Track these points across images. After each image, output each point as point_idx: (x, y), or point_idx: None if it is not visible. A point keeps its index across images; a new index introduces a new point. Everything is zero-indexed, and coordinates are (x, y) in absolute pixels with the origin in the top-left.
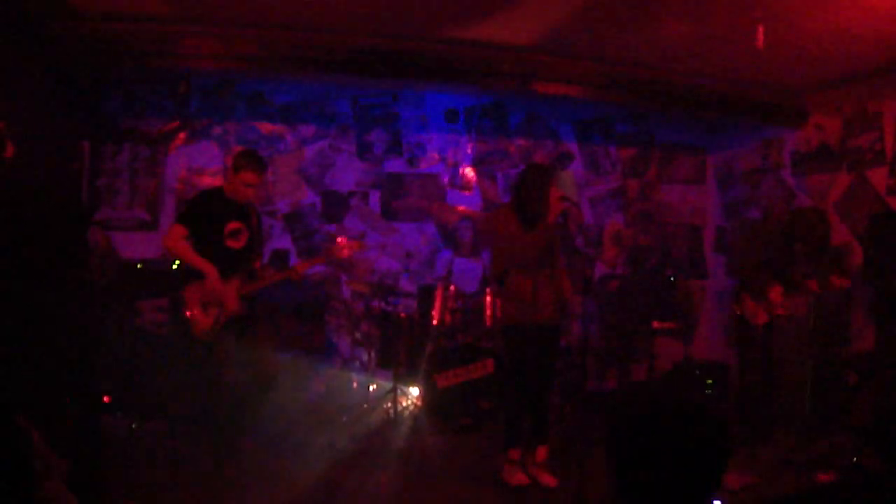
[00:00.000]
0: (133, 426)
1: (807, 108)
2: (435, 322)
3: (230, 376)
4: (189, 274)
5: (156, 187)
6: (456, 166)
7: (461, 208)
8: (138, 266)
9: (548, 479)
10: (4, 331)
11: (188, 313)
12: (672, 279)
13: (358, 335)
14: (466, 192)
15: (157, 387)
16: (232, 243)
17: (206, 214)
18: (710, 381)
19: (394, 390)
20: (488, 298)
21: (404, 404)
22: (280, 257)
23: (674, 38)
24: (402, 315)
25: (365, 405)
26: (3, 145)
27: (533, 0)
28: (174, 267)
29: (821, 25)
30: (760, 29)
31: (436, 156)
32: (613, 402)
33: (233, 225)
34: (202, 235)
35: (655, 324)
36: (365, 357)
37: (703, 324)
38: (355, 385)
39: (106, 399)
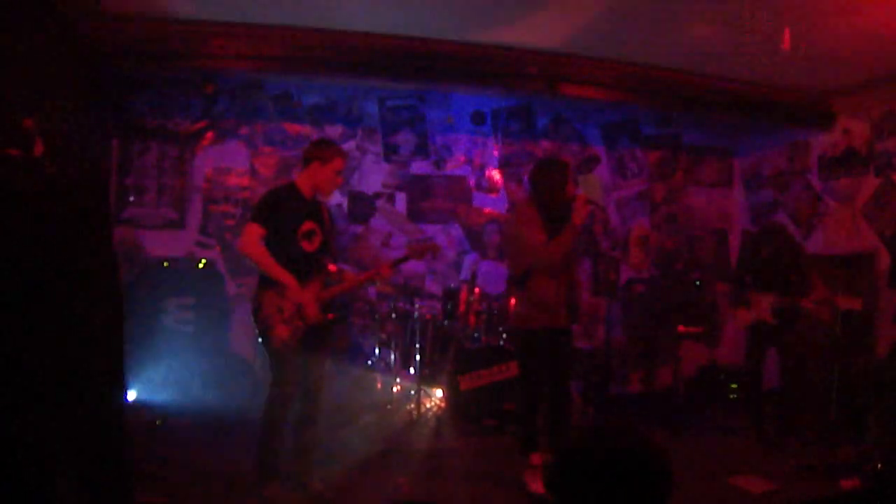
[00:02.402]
0: (158, 422)
1: (834, 111)
2: (459, 324)
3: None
4: (265, 280)
5: (183, 186)
6: (482, 168)
7: (488, 210)
8: (165, 264)
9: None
10: (31, 328)
11: (267, 323)
12: (698, 283)
13: (383, 336)
14: (493, 195)
15: (183, 384)
16: (306, 245)
17: (280, 214)
18: (733, 386)
19: (417, 391)
20: (513, 300)
21: (428, 405)
22: None
23: (700, 40)
24: (427, 316)
25: (388, 406)
26: (32, 143)
27: (560, 3)
28: (200, 266)
29: (848, 28)
30: (787, 31)
31: (462, 158)
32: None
33: (307, 225)
34: (276, 237)
35: (681, 327)
36: (389, 358)
37: (728, 328)
38: (379, 386)
39: (131, 395)
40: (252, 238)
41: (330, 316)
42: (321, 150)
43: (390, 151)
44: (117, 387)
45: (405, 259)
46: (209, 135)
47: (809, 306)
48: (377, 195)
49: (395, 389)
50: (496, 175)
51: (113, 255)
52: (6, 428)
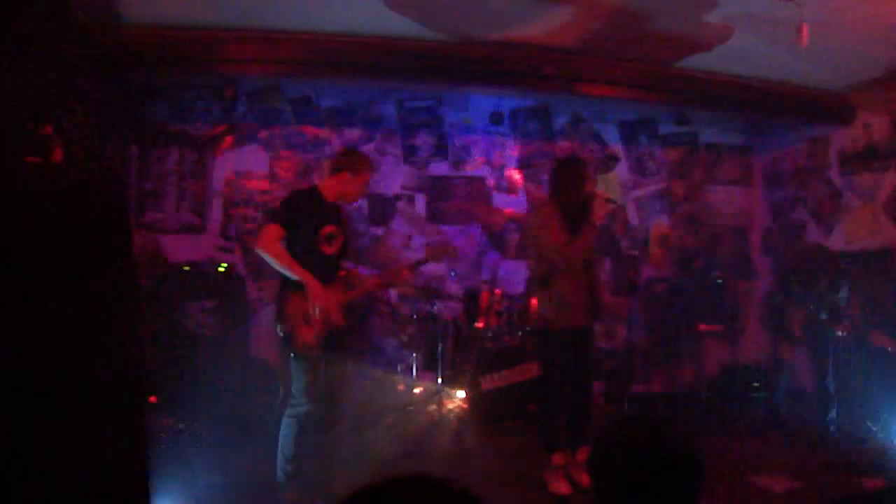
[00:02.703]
0: (180, 427)
1: (854, 106)
2: (480, 325)
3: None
4: (287, 283)
5: (202, 191)
6: (501, 169)
7: (508, 211)
8: (185, 268)
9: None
10: (52, 333)
11: (291, 326)
12: (719, 281)
13: (403, 337)
14: (512, 195)
15: (204, 388)
16: (327, 248)
17: (302, 216)
18: (755, 384)
19: (439, 393)
20: (534, 301)
21: (449, 407)
22: None
23: (718, 38)
24: (448, 318)
25: (410, 407)
26: (52, 150)
27: (576, 2)
28: (221, 269)
29: (867, 22)
30: (805, 27)
31: (481, 158)
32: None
33: (328, 228)
34: (296, 239)
35: (702, 326)
36: (410, 359)
37: (749, 326)
38: (401, 387)
39: (152, 399)
40: (270, 237)
41: (354, 319)
42: (353, 162)
43: (409, 153)
44: (138, 392)
45: (423, 262)
46: (228, 139)
47: (842, 333)
48: (397, 197)
49: (416, 391)
50: (515, 175)
51: (133, 260)
52: (24, 435)
